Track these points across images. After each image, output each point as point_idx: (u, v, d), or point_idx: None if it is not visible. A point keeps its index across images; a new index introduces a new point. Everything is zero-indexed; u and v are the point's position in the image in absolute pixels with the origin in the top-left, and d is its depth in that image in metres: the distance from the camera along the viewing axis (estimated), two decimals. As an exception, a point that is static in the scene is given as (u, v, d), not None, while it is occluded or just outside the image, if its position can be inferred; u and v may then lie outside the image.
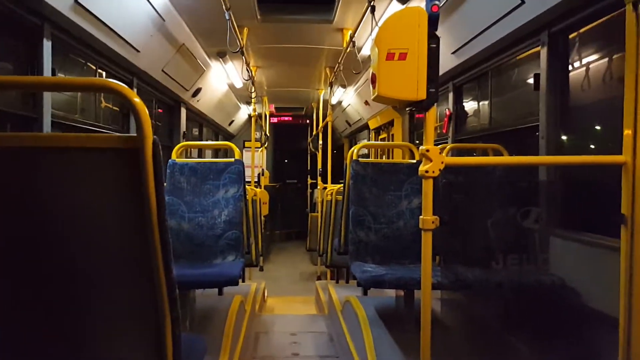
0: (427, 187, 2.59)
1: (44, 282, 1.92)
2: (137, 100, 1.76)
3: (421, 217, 2.60)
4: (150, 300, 1.88)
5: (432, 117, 2.64)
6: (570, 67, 3.98)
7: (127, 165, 1.77)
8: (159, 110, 7.96)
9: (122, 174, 1.81)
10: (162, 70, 6.63)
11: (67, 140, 1.82)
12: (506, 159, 4.43)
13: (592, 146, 3.95)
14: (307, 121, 16.44)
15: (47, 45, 4.05)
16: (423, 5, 2.63)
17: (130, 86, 5.56)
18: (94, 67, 5.27)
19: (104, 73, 5.43)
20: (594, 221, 3.59)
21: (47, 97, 4.09)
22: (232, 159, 5.02)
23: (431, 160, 2.52)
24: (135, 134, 1.75)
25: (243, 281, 4.11)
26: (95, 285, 1.94)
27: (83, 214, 1.86)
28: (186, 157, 5.33)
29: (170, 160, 4.94)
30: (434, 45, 2.58)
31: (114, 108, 5.99)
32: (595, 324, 3.22)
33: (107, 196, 1.85)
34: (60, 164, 1.82)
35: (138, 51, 5.48)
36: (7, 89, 3.34)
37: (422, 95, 2.55)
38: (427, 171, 2.53)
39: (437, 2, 2.54)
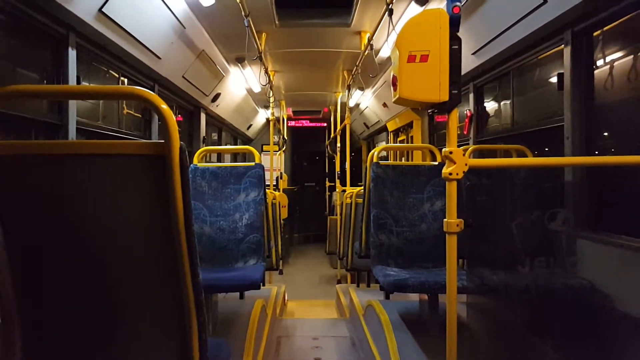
0: (451, 189, 2.56)
1: (73, 286, 1.95)
2: (164, 107, 1.79)
3: (445, 220, 2.57)
4: (177, 305, 1.91)
5: (454, 118, 2.62)
6: (594, 66, 3.95)
7: (154, 171, 1.80)
8: (179, 116, 8.01)
9: (150, 179, 1.83)
10: (183, 77, 6.67)
11: (97, 148, 1.84)
12: (531, 160, 4.39)
13: (620, 146, 3.89)
14: (325, 124, 16.43)
15: (72, 54, 4.10)
16: (442, 6, 2.61)
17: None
18: (116, 75, 5.31)
19: (125, 80, 5.46)
20: (624, 223, 3.55)
21: (73, 104, 4.14)
22: (253, 163, 5.01)
23: (455, 162, 2.50)
24: (162, 140, 1.77)
25: (263, 285, 4.11)
26: (123, 290, 1.97)
27: (111, 219, 1.88)
28: (205, 162, 5.34)
29: (191, 164, 4.95)
30: (456, 47, 2.56)
31: (136, 115, 6.02)
32: (626, 328, 3.18)
33: (135, 202, 1.88)
34: (90, 170, 1.85)
35: (159, 58, 5.52)
36: (42, 97, 3.38)
37: (445, 96, 2.54)
38: (450, 173, 2.51)
39: (458, 3, 2.52)
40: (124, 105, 5.65)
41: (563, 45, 4.11)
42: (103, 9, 4.02)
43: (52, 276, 1.94)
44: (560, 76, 4.15)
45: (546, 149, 4.75)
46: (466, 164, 2.51)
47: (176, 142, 1.76)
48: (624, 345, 3.17)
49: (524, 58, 4.91)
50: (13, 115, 3.57)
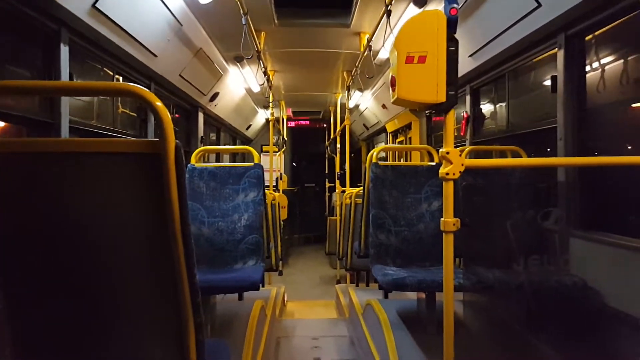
0: (448, 189, 2.58)
1: (67, 286, 1.93)
2: (159, 104, 1.77)
3: (442, 219, 2.59)
4: (174, 306, 1.88)
5: (451, 119, 2.63)
6: (587, 69, 3.98)
7: (149, 169, 1.78)
8: (176, 115, 7.98)
9: (145, 178, 1.81)
10: (180, 75, 6.64)
11: (91, 146, 1.82)
12: (527, 160, 4.42)
13: (611, 147, 3.92)
14: (325, 125, 16.45)
15: (64, 50, 4.03)
16: (440, 8, 2.63)
17: (148, 91, 5.59)
18: (111, 72, 5.26)
19: (120, 78, 5.41)
20: (614, 222, 3.58)
21: (65, 102, 4.07)
22: (252, 163, 5.01)
23: (451, 163, 2.51)
24: (157, 139, 1.76)
25: (263, 286, 4.11)
26: (118, 291, 1.95)
27: (105, 218, 1.86)
28: (203, 162, 5.33)
29: (189, 164, 4.91)
30: (453, 48, 2.57)
31: (131, 113, 5.99)
32: (619, 325, 3.20)
33: (129, 201, 1.86)
34: (83, 168, 1.83)
35: (155, 56, 5.48)
36: (33, 93, 3.33)
37: (442, 97, 2.54)
38: (447, 173, 2.52)
39: (455, 5, 2.54)
40: (119, 104, 5.60)
41: (557, 49, 4.14)
42: (96, 5, 3.96)
43: (44, 277, 1.92)
44: (554, 79, 4.19)
45: (540, 150, 4.78)
46: (463, 164, 2.52)
47: (171, 140, 1.74)
48: (616, 341, 3.19)
49: (519, 61, 4.95)
50: (2, 112, 3.53)
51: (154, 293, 1.95)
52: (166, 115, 1.76)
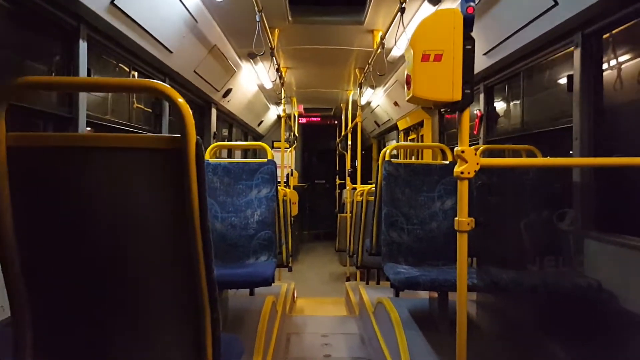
0: (462, 188, 2.56)
1: (87, 280, 1.94)
2: (181, 101, 1.79)
3: (456, 218, 2.57)
4: (191, 300, 1.90)
5: (466, 118, 2.61)
6: (604, 68, 3.95)
7: (170, 165, 1.79)
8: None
9: (165, 174, 1.82)
10: (194, 71, 6.67)
11: (112, 141, 1.84)
12: (542, 160, 4.40)
13: (628, 147, 3.89)
14: (336, 122, 16.44)
15: (83, 46, 4.08)
16: (454, 6, 2.62)
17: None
18: (127, 68, 5.29)
19: (136, 73, 5.45)
20: (630, 223, 3.56)
21: (83, 97, 4.11)
22: (265, 159, 5.02)
23: (467, 162, 2.49)
24: (177, 135, 1.77)
25: (273, 281, 4.12)
26: (137, 284, 1.96)
27: (126, 213, 1.87)
28: (216, 157, 5.35)
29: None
30: (470, 47, 2.55)
31: (146, 109, 6.03)
32: (634, 327, 3.19)
33: (150, 196, 1.86)
34: (105, 163, 1.84)
35: (171, 52, 5.51)
36: (55, 89, 3.37)
37: (458, 96, 2.53)
38: (462, 172, 2.51)
39: (472, 4, 2.53)
40: (134, 99, 5.64)
41: (573, 47, 4.12)
42: (115, 2, 4.01)
43: (64, 271, 1.93)
44: (570, 78, 4.17)
45: (555, 150, 4.76)
46: (478, 164, 2.50)
47: (192, 136, 1.75)
48: (632, 345, 3.17)
49: (534, 59, 4.92)
50: (22, 107, 3.55)
51: (172, 288, 1.96)
52: (188, 112, 1.77)
